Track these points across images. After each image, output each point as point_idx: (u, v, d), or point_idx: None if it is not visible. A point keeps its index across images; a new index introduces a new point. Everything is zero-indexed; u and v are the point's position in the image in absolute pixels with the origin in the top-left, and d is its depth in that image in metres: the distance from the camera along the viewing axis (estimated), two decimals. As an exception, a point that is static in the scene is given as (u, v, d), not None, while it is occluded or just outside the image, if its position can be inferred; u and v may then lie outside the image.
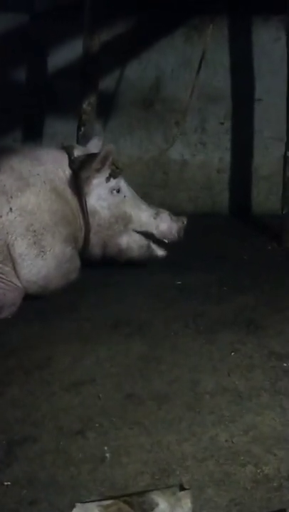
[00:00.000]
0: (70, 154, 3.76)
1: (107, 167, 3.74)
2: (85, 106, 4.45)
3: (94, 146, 3.93)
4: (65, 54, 4.84)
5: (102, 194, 3.77)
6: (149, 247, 3.87)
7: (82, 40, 4.44)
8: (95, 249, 3.82)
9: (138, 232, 3.85)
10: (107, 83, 4.81)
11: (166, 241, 3.90)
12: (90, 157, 3.74)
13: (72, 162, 3.74)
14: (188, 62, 4.80)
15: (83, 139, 4.30)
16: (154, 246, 3.88)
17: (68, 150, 3.79)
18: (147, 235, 3.87)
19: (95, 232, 3.77)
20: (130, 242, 3.84)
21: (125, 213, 3.81)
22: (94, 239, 3.78)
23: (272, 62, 4.78)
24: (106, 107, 4.84)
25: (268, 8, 4.65)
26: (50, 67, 4.91)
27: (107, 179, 3.76)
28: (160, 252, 3.90)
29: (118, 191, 3.80)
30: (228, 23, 4.76)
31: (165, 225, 3.88)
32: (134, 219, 3.84)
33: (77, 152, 3.79)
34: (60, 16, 4.83)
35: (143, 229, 3.85)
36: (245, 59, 4.80)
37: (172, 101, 4.88)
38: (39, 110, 4.96)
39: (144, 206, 3.89)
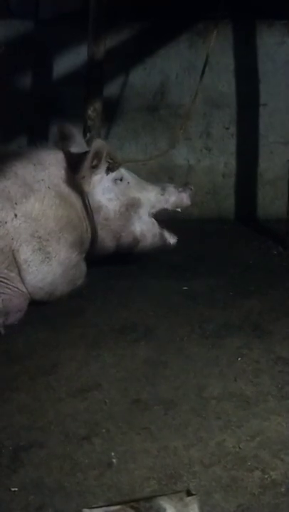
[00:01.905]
0: (67, 155, 3.76)
1: (103, 162, 3.75)
2: (90, 112, 4.44)
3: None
4: (69, 60, 4.84)
5: (107, 186, 3.78)
6: (162, 235, 3.93)
7: (86, 46, 4.45)
8: (107, 243, 3.82)
9: (152, 213, 3.89)
10: (111, 89, 4.81)
11: (179, 210, 3.98)
12: (82, 156, 3.73)
13: (69, 163, 3.74)
14: (192, 68, 4.79)
15: (89, 145, 4.30)
16: (166, 234, 3.94)
17: (67, 151, 3.80)
18: (161, 213, 3.92)
19: (102, 227, 3.77)
20: (144, 230, 3.87)
21: (134, 198, 3.84)
22: (102, 234, 3.78)
23: (277, 66, 4.78)
24: (111, 113, 4.84)
25: (272, 13, 4.66)
26: (55, 73, 4.91)
27: (107, 172, 3.78)
28: (172, 239, 3.96)
29: (121, 180, 3.83)
30: (232, 28, 4.76)
31: (174, 197, 3.96)
32: (143, 201, 3.87)
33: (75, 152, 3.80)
34: (64, 23, 4.84)
35: (155, 209, 3.91)
36: (249, 64, 4.80)
37: (177, 106, 4.87)
38: (44, 116, 4.96)
39: (149, 186, 3.94)
